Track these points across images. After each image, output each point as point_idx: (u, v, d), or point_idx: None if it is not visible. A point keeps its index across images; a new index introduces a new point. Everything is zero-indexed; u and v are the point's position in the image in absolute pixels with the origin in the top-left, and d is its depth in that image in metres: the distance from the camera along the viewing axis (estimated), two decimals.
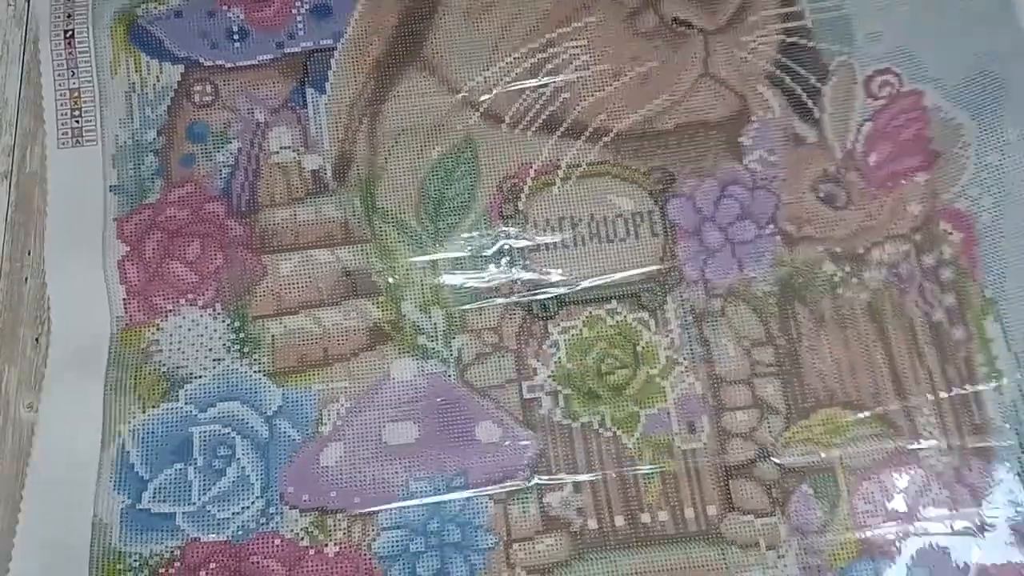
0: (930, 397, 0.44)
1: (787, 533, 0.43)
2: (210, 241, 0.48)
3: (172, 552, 0.43)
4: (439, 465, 0.45)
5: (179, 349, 0.47)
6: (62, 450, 0.45)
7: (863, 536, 0.42)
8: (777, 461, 0.44)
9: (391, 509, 0.44)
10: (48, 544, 0.43)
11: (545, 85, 0.49)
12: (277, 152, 0.50)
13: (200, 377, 0.46)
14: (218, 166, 0.49)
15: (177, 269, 0.48)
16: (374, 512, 0.44)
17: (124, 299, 0.47)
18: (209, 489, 0.44)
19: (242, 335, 0.47)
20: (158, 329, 0.47)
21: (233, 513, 0.44)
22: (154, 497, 0.44)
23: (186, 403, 0.46)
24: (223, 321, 0.47)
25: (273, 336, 0.47)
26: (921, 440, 0.43)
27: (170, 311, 0.47)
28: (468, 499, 0.44)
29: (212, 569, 0.43)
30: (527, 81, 0.49)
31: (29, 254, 0.46)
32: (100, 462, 0.45)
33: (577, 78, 0.49)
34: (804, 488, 0.43)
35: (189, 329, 0.47)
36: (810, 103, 0.49)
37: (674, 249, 0.47)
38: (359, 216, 0.49)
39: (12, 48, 0.51)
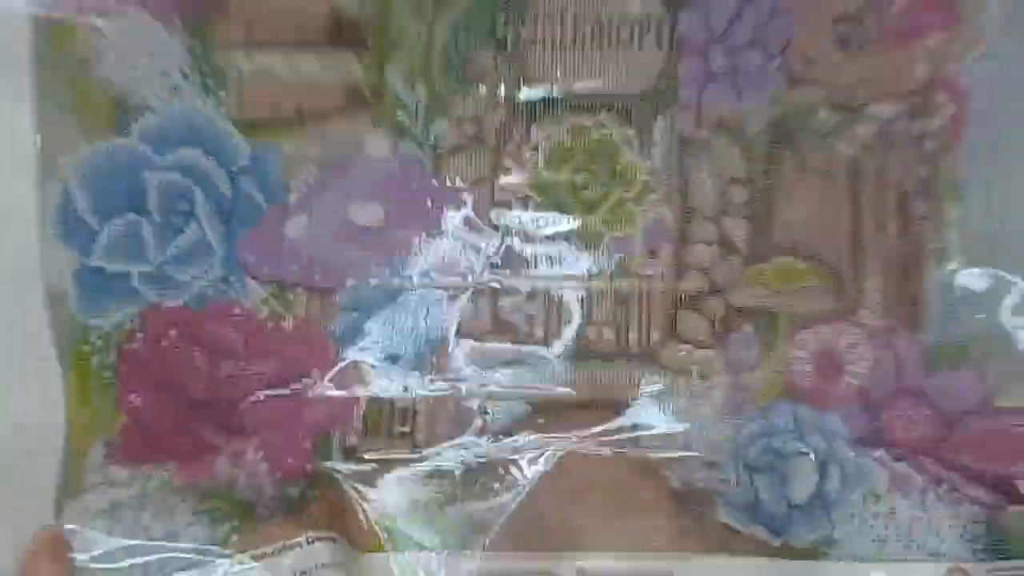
0: (881, 263, 0.43)
1: (721, 366, 0.43)
2: None
3: (132, 320, 0.40)
4: (401, 252, 0.42)
5: (125, 65, 0.38)
6: None
7: (790, 379, 0.43)
8: (726, 299, 0.43)
9: (349, 290, 0.42)
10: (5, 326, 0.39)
11: None
12: None
13: (157, 111, 0.39)
14: None
15: None
16: (333, 291, 0.42)
17: None
18: (166, 247, 0.40)
19: (204, 66, 0.40)
20: (95, 32, 0.38)
21: (192, 277, 0.40)
22: (107, 253, 0.39)
23: (140, 141, 0.39)
24: (180, 41, 0.39)
25: (241, 72, 0.40)
26: (863, 300, 0.43)
27: (111, 9, 0.38)
28: (424, 290, 0.42)
29: (172, 337, 0.40)
30: None
31: None
32: (42, 204, 0.38)
33: None
34: (746, 328, 0.43)
35: (136, 41, 0.39)
36: None
37: (676, 66, 0.43)
38: None
39: None
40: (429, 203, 0.42)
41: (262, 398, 0.41)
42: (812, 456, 0.42)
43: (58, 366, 0.40)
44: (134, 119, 0.39)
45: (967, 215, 0.43)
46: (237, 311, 0.41)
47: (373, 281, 0.42)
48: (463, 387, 0.42)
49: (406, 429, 0.42)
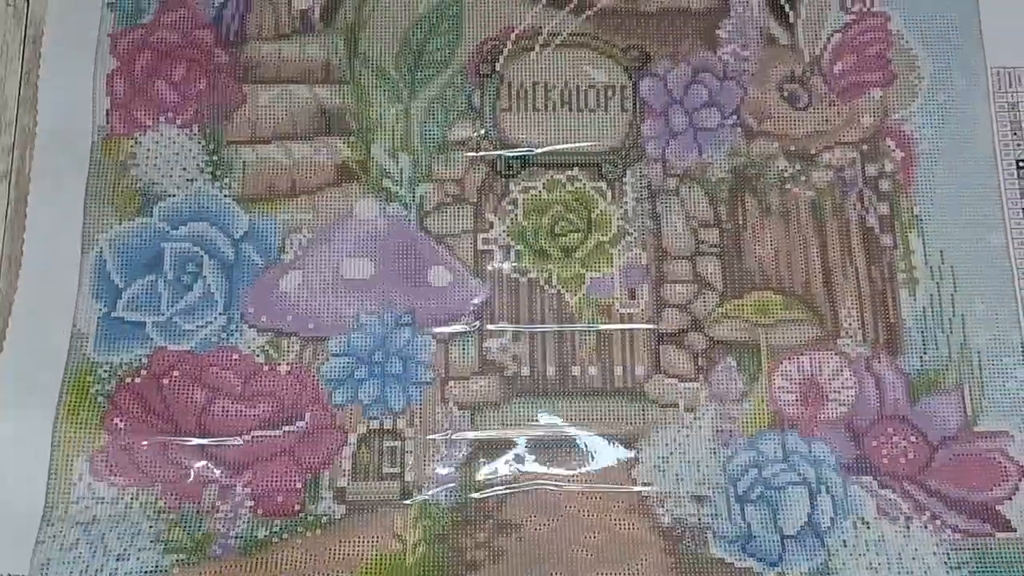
0: (854, 292, 0.45)
1: (706, 398, 0.43)
2: (196, 66, 0.47)
3: (140, 360, 0.44)
4: (390, 302, 0.45)
5: (155, 165, 0.46)
6: (47, 251, 0.45)
7: (775, 409, 0.43)
8: (707, 333, 0.45)
9: (341, 337, 0.44)
10: (30, 353, 0.43)
11: None
12: None
13: (173, 196, 0.46)
14: None
15: (161, 88, 0.47)
16: (325, 338, 0.44)
17: (108, 110, 0.47)
18: (177, 302, 0.44)
19: (215, 158, 0.46)
20: (136, 143, 0.46)
21: (197, 326, 0.44)
22: (127, 306, 0.44)
23: (159, 219, 0.46)
24: (198, 142, 0.47)
25: (244, 162, 0.46)
26: (841, 329, 0.44)
27: (149, 127, 0.47)
28: (413, 336, 0.44)
29: (175, 377, 0.43)
30: None
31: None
32: (80, 267, 0.45)
33: None
34: (728, 360, 0.44)
35: (166, 146, 0.46)
36: (787, 6, 0.48)
37: (640, 126, 0.47)
38: (341, 58, 0.48)
39: (12, 47, 0.48)
40: (416, 257, 0.45)
41: (255, 436, 0.42)
42: (803, 485, 0.42)
43: (59, 392, 0.43)
44: (156, 203, 0.46)
45: (928, 246, 0.45)
46: (236, 356, 0.44)
47: (363, 329, 0.44)
48: (453, 428, 0.43)
49: (395, 470, 0.42)
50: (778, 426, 0.43)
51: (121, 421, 0.43)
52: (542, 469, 0.43)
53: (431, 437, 0.43)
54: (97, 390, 0.43)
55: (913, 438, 0.43)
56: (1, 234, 0.46)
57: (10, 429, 0.42)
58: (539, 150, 0.46)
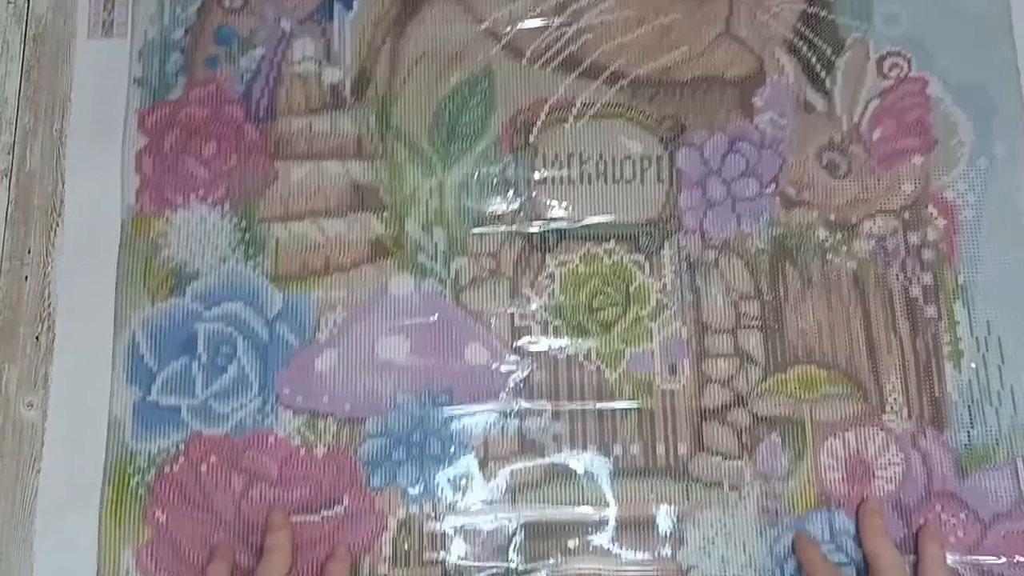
0: (898, 366, 0.46)
1: (751, 477, 0.45)
2: (226, 142, 0.50)
3: (177, 446, 0.45)
4: (427, 381, 0.46)
5: (186, 245, 0.48)
6: (80, 338, 0.47)
7: (822, 487, 0.44)
8: (751, 409, 0.46)
9: (378, 418, 0.46)
10: (69, 452, 0.45)
11: (569, 24, 0.50)
12: (299, 62, 0.51)
13: (206, 275, 0.48)
14: (241, 70, 0.51)
15: (192, 165, 0.49)
16: (362, 419, 0.46)
17: (137, 189, 0.49)
18: (211, 384, 0.46)
19: (247, 236, 0.48)
20: (167, 222, 0.48)
21: (232, 409, 0.46)
22: (162, 390, 0.46)
23: (192, 300, 0.48)
24: (230, 220, 0.48)
25: (277, 240, 0.48)
26: (885, 404, 0.46)
27: (180, 205, 0.49)
28: (451, 415, 0.46)
29: (212, 463, 0.45)
30: (552, 19, 0.50)
31: (29, 252, 0.48)
32: (114, 351, 0.47)
33: (601, 21, 0.50)
34: (773, 437, 0.45)
35: (197, 225, 0.48)
36: (823, 74, 0.50)
37: (677, 197, 0.49)
38: (373, 133, 0.50)
39: (12, 46, 0.50)
40: (452, 334, 0.47)
41: (295, 522, 0.44)
42: (851, 566, 0.43)
43: (101, 486, 0.45)
44: (188, 283, 0.48)
45: (974, 316, 0.46)
46: (272, 440, 0.45)
47: (400, 409, 0.46)
48: (494, 510, 0.44)
49: (436, 555, 0.44)
50: (825, 505, 0.44)
51: (163, 514, 0.44)
52: (586, 551, 0.44)
53: (471, 519, 0.44)
54: (138, 481, 0.45)
55: (964, 515, 0.44)
56: (1, 233, 0.48)
57: (56, 527, 0.44)
58: (576, 223, 0.48)
